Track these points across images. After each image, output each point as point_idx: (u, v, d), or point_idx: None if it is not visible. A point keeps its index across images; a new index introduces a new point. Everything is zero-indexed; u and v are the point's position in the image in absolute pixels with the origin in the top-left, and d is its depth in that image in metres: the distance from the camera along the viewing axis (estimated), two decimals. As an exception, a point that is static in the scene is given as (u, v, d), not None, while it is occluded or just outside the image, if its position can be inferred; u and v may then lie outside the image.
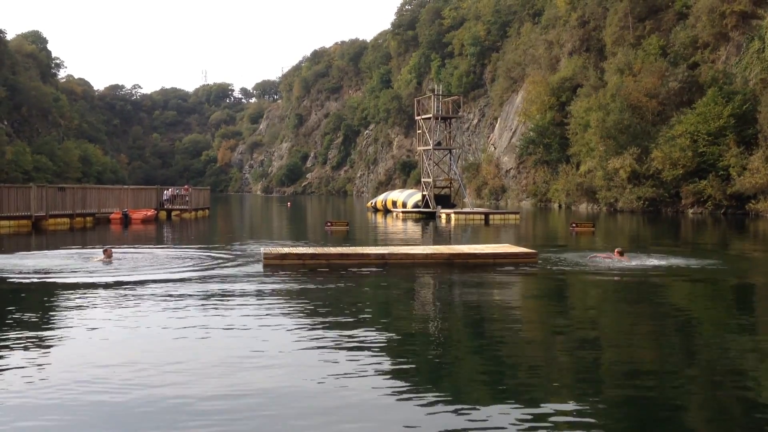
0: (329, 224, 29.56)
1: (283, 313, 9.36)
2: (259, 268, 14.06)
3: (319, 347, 7.52)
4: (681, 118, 47.16)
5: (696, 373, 6.81)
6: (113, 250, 15.69)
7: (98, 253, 15.56)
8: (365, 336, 8.11)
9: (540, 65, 72.11)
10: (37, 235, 24.77)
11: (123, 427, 5.11)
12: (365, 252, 15.42)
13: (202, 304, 9.97)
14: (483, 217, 36.81)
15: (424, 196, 42.61)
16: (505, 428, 5.10)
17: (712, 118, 44.44)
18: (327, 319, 9.10)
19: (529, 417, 5.36)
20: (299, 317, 9.16)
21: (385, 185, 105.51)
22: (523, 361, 7.26)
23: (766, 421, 5.37)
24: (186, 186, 43.88)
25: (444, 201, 42.76)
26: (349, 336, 8.07)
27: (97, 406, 5.54)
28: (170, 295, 10.73)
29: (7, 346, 7.48)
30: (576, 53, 66.65)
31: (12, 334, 8.07)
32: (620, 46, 58.30)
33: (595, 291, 12.33)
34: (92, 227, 29.78)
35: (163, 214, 37.35)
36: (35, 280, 12.40)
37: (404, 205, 44.06)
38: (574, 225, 28.59)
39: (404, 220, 38.42)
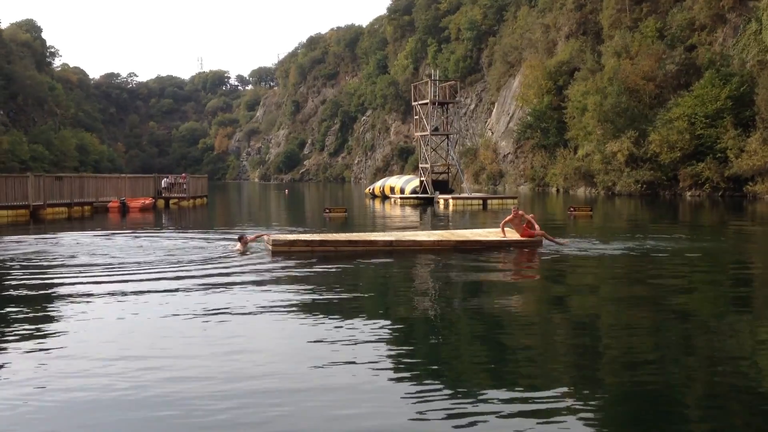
0: (327, 211, 29.55)
1: (296, 302, 9.31)
2: (267, 255, 14.04)
3: (332, 336, 7.55)
4: (678, 100, 47.10)
5: (696, 355, 6.87)
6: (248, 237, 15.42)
7: (234, 243, 15.35)
8: (378, 324, 8.13)
9: (537, 49, 71.87)
10: (36, 224, 24.77)
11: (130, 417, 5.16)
12: (373, 239, 15.47)
13: (215, 292, 9.92)
14: (481, 202, 36.83)
15: (421, 182, 42.60)
16: (513, 415, 5.15)
17: (709, 100, 44.39)
18: (340, 307, 9.10)
19: (532, 404, 5.42)
20: (312, 305, 9.11)
21: (383, 171, 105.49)
22: (533, 348, 7.30)
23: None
24: (183, 174, 43.81)
25: (442, 186, 42.75)
26: (362, 323, 8.10)
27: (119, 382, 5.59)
28: (177, 284, 10.71)
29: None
30: (573, 37, 66.42)
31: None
32: (617, 29, 58.11)
33: (599, 273, 12.38)
34: (90, 216, 29.77)
35: (161, 203, 37.33)
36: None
37: (402, 191, 44.04)
38: (572, 209, 28.62)
39: (402, 206, 38.43)
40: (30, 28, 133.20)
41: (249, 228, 21.61)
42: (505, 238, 15.68)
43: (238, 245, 14.75)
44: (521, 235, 15.68)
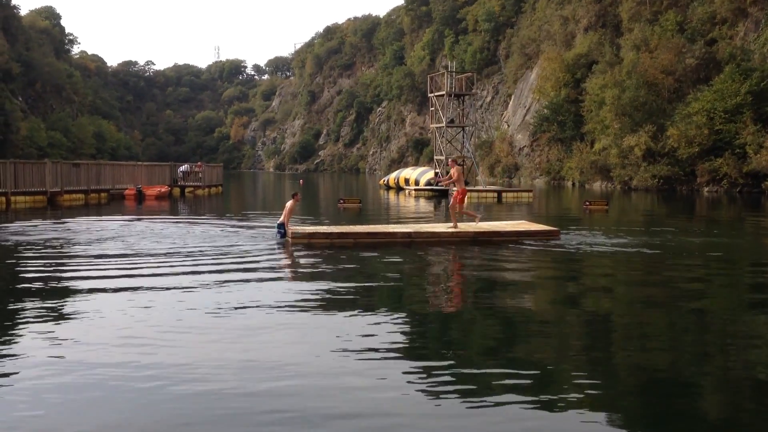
0: (342, 201, 29.57)
1: (311, 294, 9.30)
2: (286, 246, 14.01)
3: (346, 327, 7.57)
4: (697, 95, 46.60)
5: (711, 349, 6.82)
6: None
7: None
8: (392, 317, 8.14)
9: (555, 41, 71.32)
10: (53, 210, 24.98)
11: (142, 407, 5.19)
12: (392, 231, 15.52)
13: (233, 282, 9.90)
14: (496, 195, 36.66)
15: (436, 174, 42.48)
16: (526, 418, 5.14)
17: (729, 95, 43.88)
18: (356, 300, 9.10)
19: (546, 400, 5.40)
20: (328, 298, 9.10)
21: (398, 163, 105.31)
22: (546, 341, 7.27)
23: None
24: (199, 163, 44.01)
25: (457, 178, 42.54)
26: (376, 317, 8.11)
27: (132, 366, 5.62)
28: (191, 274, 10.74)
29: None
30: (592, 29, 65.83)
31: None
32: (637, 22, 57.52)
33: (614, 268, 12.30)
34: (107, 203, 29.99)
35: (176, 191, 37.52)
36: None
37: (417, 182, 43.95)
38: (587, 203, 28.45)
39: (416, 197, 38.37)
40: (49, 15, 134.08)
41: (262, 215, 21.68)
42: (523, 229, 15.70)
43: (291, 202, 15.15)
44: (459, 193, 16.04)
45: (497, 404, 5.12)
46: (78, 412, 4.93)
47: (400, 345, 6.75)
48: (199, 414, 4.87)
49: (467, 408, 5.03)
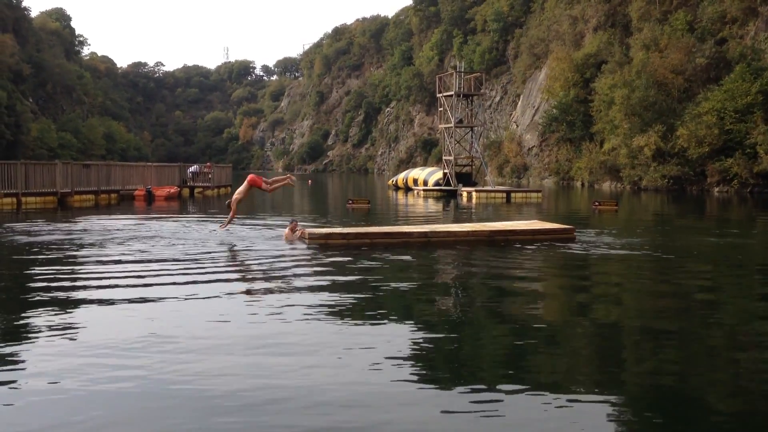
0: (351, 202, 29.60)
1: (330, 295, 9.24)
2: (302, 246, 14.03)
3: (368, 328, 7.58)
4: (708, 95, 46.39)
5: (722, 354, 6.79)
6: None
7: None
8: (405, 319, 8.15)
9: (564, 41, 71.17)
10: (63, 211, 25.11)
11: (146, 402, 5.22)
12: (408, 231, 15.56)
13: (245, 284, 9.89)
14: (505, 195, 36.61)
15: (445, 174, 42.45)
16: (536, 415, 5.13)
17: (739, 94, 43.65)
18: (375, 300, 9.03)
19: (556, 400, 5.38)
20: (346, 297, 9.04)
21: (406, 163, 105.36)
22: (554, 344, 7.26)
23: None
24: (208, 163, 44.16)
25: (465, 179, 42.57)
26: (388, 319, 8.11)
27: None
28: (210, 274, 10.75)
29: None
30: (601, 29, 65.67)
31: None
32: (646, 22, 57.32)
33: (624, 270, 12.26)
34: (117, 204, 30.13)
35: (186, 192, 37.64)
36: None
37: (425, 183, 43.94)
38: (596, 203, 28.36)
39: (425, 198, 38.35)
40: (59, 16, 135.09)
41: (274, 217, 21.73)
42: (539, 228, 15.66)
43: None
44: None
45: (506, 412, 5.11)
46: (77, 414, 4.95)
47: (408, 346, 6.75)
48: (203, 420, 4.89)
49: (476, 415, 5.03)
